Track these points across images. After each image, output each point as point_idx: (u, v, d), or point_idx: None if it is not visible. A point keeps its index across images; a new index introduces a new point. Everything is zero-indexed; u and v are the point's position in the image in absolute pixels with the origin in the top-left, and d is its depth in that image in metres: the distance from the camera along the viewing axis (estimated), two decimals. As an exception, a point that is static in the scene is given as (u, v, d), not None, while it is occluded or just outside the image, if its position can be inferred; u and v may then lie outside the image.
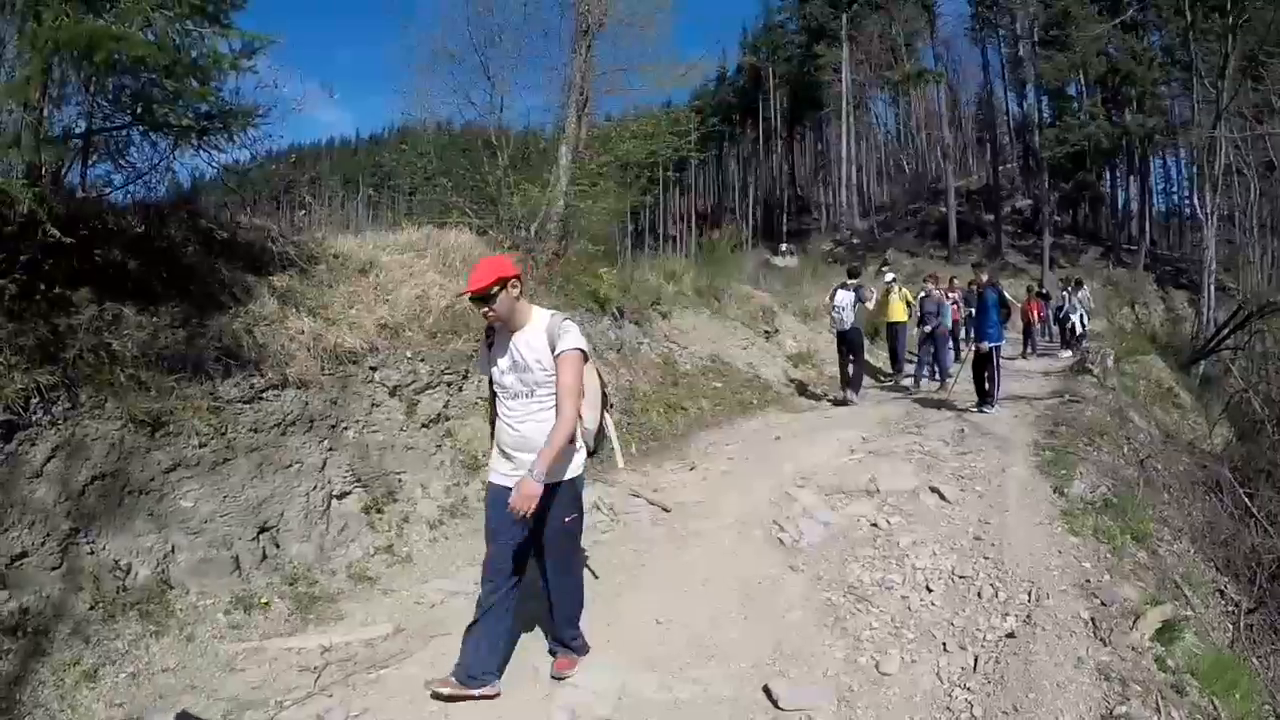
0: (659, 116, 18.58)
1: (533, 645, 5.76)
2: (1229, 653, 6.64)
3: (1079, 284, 24.35)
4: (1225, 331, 27.32)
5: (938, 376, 17.12)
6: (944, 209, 53.43)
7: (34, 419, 5.61)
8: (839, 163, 63.82)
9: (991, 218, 53.90)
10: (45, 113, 6.31)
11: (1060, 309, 24.44)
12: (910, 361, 18.81)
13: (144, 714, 4.91)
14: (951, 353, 18.56)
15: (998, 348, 13.59)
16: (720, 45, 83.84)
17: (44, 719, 4.70)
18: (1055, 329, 26.00)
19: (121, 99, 6.90)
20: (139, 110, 6.87)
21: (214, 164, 7.93)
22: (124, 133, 7.27)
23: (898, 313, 18.53)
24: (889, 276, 19.79)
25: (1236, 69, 33.17)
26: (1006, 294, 14.49)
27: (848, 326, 15.35)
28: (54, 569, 5.44)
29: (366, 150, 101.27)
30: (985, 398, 13.55)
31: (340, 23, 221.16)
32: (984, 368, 13.57)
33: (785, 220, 72.23)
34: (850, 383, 15.78)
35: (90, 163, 7.28)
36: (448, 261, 11.11)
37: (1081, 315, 23.30)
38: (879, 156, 73.22)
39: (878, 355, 20.78)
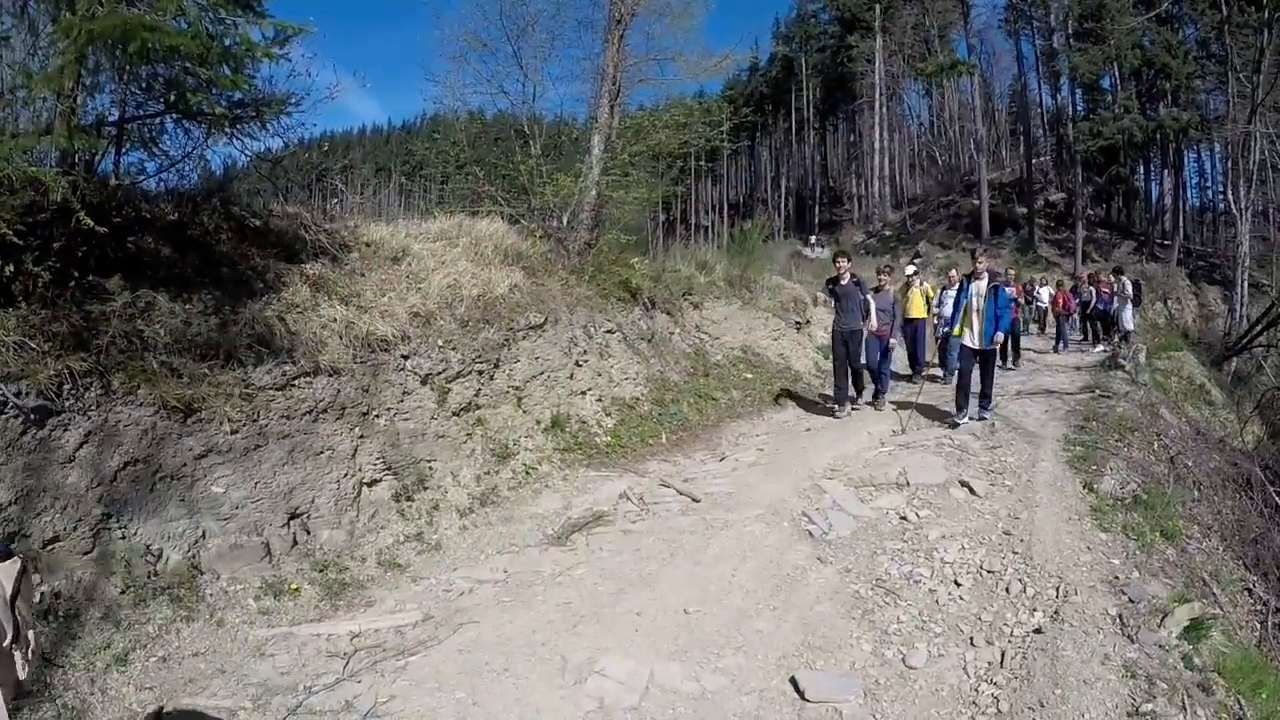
0: (692, 106, 18.43)
1: (560, 634, 5.77)
2: (1256, 652, 6.55)
3: (1119, 273, 22.98)
4: (1258, 328, 26.99)
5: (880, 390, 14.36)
6: (977, 201, 53.01)
7: (67, 405, 5.66)
8: (871, 154, 63.52)
9: (1024, 211, 53.41)
10: (78, 101, 6.34)
11: (1089, 304, 23.49)
12: (931, 365, 17.22)
13: (173, 697, 4.95)
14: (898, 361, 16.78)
15: (993, 352, 12.14)
16: (753, 35, 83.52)
17: (75, 701, 4.75)
18: (1085, 325, 24.58)
19: (154, 87, 6.92)
20: (172, 98, 6.88)
21: (247, 152, 7.96)
22: (157, 121, 7.29)
23: (916, 309, 16.92)
24: (910, 270, 19.03)
25: (1272, 63, 32.60)
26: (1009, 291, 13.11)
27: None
28: (86, 553, 5.49)
29: (399, 139, 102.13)
30: (982, 400, 12.08)
31: (373, 11, 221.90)
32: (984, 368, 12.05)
33: (817, 211, 71.98)
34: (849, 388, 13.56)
35: (123, 151, 7.29)
36: (480, 250, 11.14)
37: (1129, 309, 21.59)
38: (911, 148, 72.64)
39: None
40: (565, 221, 14.20)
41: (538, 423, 10.02)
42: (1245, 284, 32.47)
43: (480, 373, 9.46)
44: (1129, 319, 21.39)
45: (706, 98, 23.21)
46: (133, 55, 6.10)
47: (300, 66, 7.70)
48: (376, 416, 8.02)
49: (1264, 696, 5.22)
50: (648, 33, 15.42)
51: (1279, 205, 41.04)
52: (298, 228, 8.95)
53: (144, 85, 6.90)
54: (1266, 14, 33.32)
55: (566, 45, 30.77)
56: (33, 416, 5.43)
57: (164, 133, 7.46)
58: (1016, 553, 6.81)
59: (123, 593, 5.53)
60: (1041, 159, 60.09)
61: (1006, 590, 6.21)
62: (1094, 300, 22.62)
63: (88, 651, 5.08)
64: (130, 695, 4.92)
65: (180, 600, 5.75)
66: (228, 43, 6.64)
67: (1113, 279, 22.40)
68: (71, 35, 5.70)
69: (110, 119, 6.95)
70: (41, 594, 5.16)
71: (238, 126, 7.47)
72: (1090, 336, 23.52)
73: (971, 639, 5.62)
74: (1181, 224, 49.55)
